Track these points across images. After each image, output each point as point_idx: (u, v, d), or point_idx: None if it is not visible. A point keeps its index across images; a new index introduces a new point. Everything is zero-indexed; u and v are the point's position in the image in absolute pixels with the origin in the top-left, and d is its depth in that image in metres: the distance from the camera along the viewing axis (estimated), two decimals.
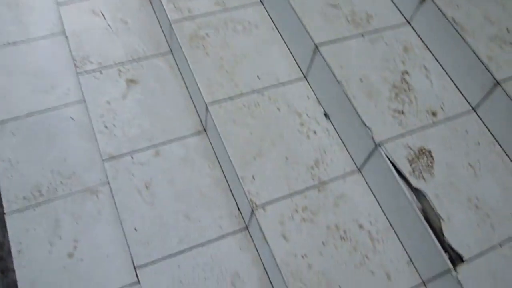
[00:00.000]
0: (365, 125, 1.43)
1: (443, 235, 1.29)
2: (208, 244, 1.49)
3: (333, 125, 1.59)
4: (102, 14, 1.91)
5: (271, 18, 1.81)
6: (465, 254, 1.27)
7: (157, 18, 1.94)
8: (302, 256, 1.36)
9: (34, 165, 1.61)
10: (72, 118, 1.71)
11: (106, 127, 1.65)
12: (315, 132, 1.57)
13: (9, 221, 1.51)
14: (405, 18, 1.70)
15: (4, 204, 1.53)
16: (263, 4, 1.85)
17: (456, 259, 1.26)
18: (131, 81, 1.76)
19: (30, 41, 1.88)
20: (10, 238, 1.47)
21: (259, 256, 1.48)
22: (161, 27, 1.92)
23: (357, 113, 1.45)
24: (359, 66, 1.56)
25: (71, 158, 1.63)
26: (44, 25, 1.93)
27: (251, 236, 1.51)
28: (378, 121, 1.45)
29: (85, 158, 1.64)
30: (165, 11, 1.77)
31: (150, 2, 1.98)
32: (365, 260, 1.38)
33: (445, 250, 1.27)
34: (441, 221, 1.31)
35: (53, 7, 1.96)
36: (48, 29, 1.92)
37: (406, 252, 1.41)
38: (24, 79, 1.78)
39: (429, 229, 1.30)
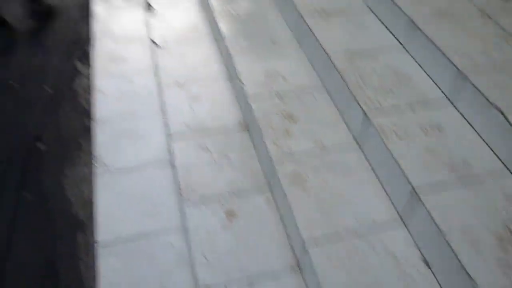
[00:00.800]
0: (471, 277, 1.38)
1: None
2: None
3: (433, 273, 1.54)
4: (208, 149, 2.07)
5: (367, 160, 1.87)
6: None
7: (257, 155, 2.07)
8: None
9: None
10: (172, 245, 1.80)
11: (204, 256, 1.71)
12: (414, 280, 1.52)
13: None
14: (504, 164, 1.69)
15: None
16: (359, 146, 1.92)
17: None
18: (230, 214, 1.84)
19: (140, 168, 2.07)
20: None
21: None
22: (259, 164, 2.03)
23: (461, 264, 1.40)
24: (460, 214, 1.53)
25: (168, 285, 1.68)
26: (155, 155, 2.13)
27: None
28: (484, 273, 1.39)
29: (182, 286, 1.68)
30: (267, 150, 1.89)
31: (251, 140, 2.13)
32: None
33: None
34: None
35: (164, 141, 2.18)
36: (158, 159, 2.11)
37: None
38: (132, 202, 1.93)
39: None
